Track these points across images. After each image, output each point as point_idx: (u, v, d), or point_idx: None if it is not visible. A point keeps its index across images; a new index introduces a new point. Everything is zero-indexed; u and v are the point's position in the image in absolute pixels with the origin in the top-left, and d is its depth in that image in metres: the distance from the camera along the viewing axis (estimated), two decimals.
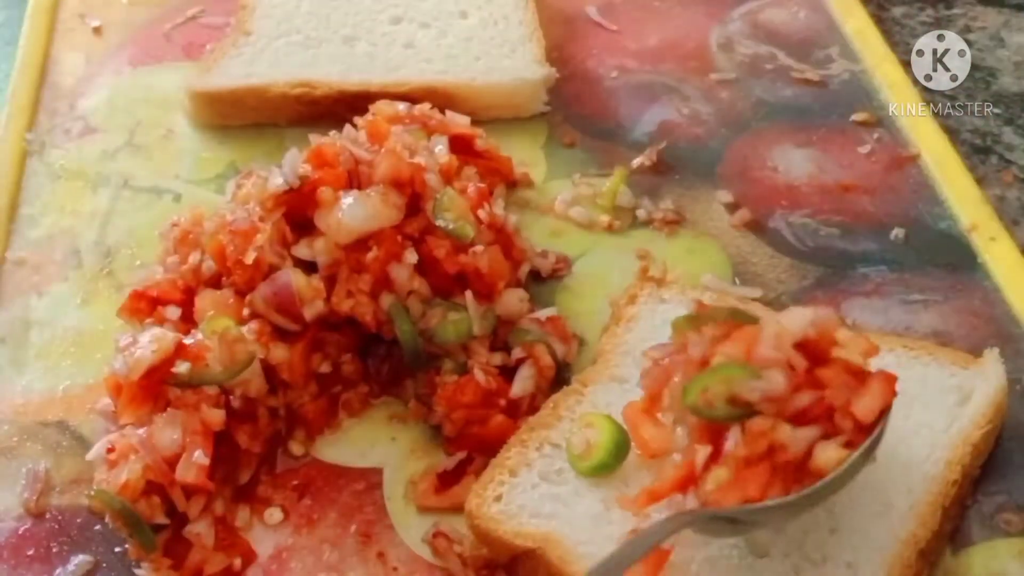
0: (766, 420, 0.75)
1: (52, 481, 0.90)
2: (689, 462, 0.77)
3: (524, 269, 1.02)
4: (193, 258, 0.96)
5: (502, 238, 0.99)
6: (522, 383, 0.93)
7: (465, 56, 1.22)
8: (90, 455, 0.87)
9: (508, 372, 0.94)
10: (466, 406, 0.90)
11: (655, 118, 1.21)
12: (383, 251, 0.91)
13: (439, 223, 0.94)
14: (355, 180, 0.96)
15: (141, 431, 0.85)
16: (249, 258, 0.91)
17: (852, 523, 0.82)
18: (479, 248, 0.95)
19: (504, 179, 1.12)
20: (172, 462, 0.84)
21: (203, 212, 0.99)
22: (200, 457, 0.84)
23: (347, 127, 1.07)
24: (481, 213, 0.98)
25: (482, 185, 1.02)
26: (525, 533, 0.82)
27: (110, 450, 0.85)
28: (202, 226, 0.97)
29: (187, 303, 0.94)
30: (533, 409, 0.92)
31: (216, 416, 0.86)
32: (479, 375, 0.91)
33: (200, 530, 0.85)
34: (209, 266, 0.94)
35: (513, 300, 0.97)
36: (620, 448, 0.85)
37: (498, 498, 0.84)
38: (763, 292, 1.03)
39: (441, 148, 1.03)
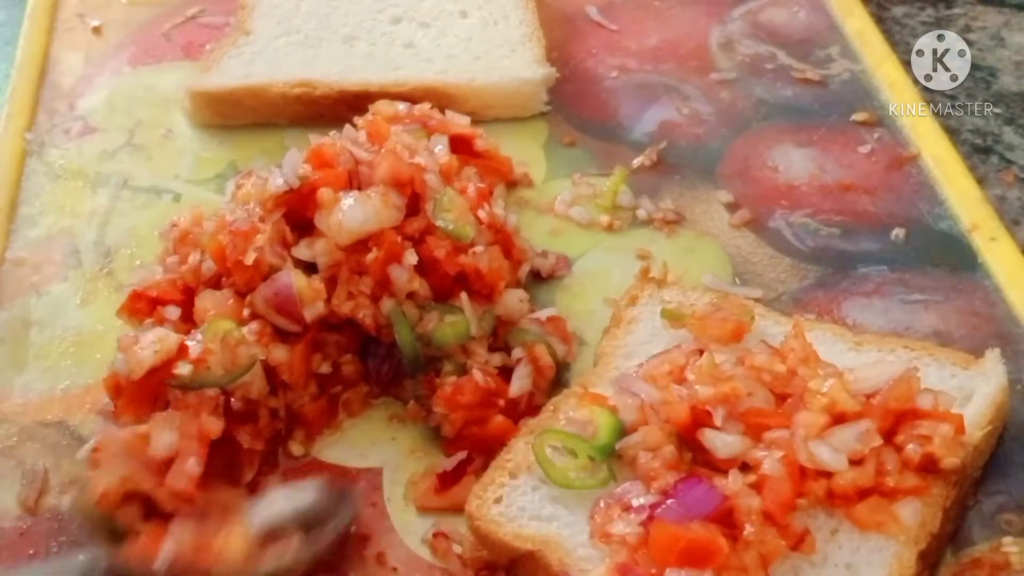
0: None
1: (51, 481, 0.90)
2: None
3: (524, 269, 1.02)
4: (193, 258, 0.95)
5: (502, 238, 0.99)
6: (520, 382, 0.92)
7: (465, 56, 1.22)
8: (80, 453, 0.87)
9: (507, 372, 0.94)
10: (465, 407, 0.90)
11: (655, 118, 1.21)
12: (383, 252, 0.91)
13: (439, 223, 0.94)
14: (355, 180, 0.96)
15: (128, 430, 0.85)
16: (249, 259, 0.91)
17: (853, 524, 0.82)
18: (479, 248, 0.95)
19: (504, 179, 1.12)
20: (162, 465, 0.84)
21: (203, 212, 0.99)
22: (193, 466, 0.84)
23: (347, 127, 1.07)
24: (481, 213, 0.98)
25: (482, 185, 1.02)
26: (525, 535, 0.82)
27: (95, 449, 0.85)
28: (202, 226, 0.97)
29: (187, 303, 0.94)
30: (533, 409, 0.92)
31: (215, 425, 0.85)
32: (478, 375, 0.91)
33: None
34: (209, 266, 0.94)
35: (513, 300, 0.96)
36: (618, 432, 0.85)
37: (498, 500, 0.84)
38: (763, 292, 1.03)
39: (441, 148, 1.03)
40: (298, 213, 0.94)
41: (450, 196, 0.96)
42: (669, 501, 0.79)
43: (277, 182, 0.93)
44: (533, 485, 0.85)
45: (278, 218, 0.93)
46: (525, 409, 0.92)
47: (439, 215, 0.94)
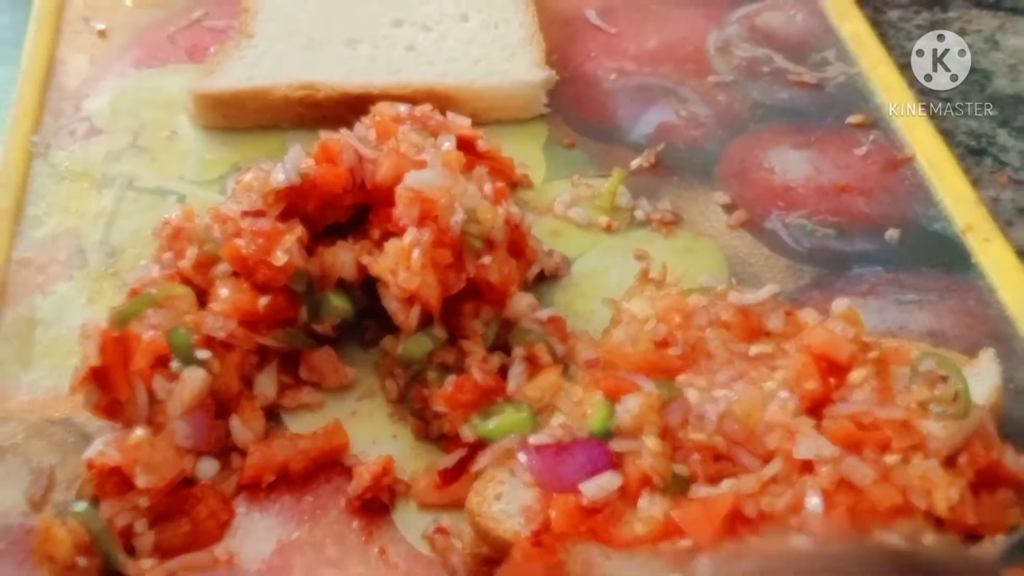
0: None
1: (57, 478, 0.91)
2: None
3: (534, 270, 1.03)
4: (190, 253, 0.96)
5: (517, 237, 0.99)
6: (516, 380, 0.93)
7: (466, 59, 1.23)
8: (86, 454, 0.88)
9: (507, 372, 0.94)
10: (465, 405, 0.91)
11: (653, 120, 1.23)
12: None
13: (469, 240, 0.94)
14: (358, 177, 0.96)
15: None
16: (280, 260, 0.92)
17: None
18: (487, 260, 0.94)
19: (506, 180, 1.13)
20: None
21: (194, 208, 1.00)
22: None
23: (357, 125, 1.08)
24: (499, 211, 0.98)
25: (500, 184, 1.03)
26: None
27: (90, 466, 0.87)
28: (194, 221, 0.98)
29: None
30: None
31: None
32: (477, 374, 0.92)
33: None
34: (224, 269, 0.95)
35: (522, 305, 0.97)
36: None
37: (499, 497, 0.85)
38: None
39: (449, 146, 1.03)
40: (298, 208, 0.95)
41: (483, 209, 0.95)
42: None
43: (279, 177, 0.94)
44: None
45: (277, 213, 0.95)
46: None
47: (470, 228, 0.94)
